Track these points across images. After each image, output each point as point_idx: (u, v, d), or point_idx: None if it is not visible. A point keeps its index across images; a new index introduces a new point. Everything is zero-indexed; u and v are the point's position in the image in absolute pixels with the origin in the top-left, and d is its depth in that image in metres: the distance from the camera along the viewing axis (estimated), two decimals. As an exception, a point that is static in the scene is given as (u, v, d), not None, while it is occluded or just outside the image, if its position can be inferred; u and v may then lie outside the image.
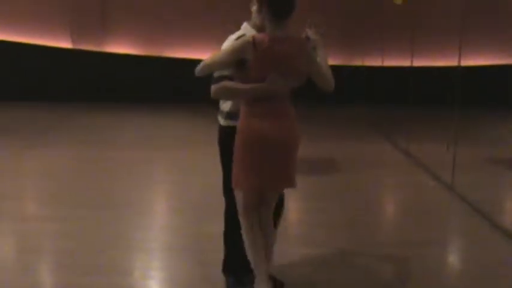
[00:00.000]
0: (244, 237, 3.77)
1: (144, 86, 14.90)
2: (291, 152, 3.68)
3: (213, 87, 3.64)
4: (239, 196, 3.75)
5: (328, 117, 13.50)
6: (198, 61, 3.72)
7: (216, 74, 3.69)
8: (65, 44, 14.97)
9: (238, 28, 3.91)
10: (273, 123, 3.58)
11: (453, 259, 5.07)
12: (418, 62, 11.73)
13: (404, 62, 11.60)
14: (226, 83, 3.62)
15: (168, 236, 5.47)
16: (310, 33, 3.88)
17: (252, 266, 3.78)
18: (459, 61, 7.42)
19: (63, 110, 13.50)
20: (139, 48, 15.22)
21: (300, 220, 6.11)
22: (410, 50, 10.32)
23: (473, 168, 8.18)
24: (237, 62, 3.57)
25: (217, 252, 4.23)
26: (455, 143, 7.33)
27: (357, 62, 14.89)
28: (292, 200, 5.90)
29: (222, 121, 3.93)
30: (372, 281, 4.41)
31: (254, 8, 3.80)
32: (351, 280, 4.41)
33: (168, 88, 14.70)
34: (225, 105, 3.89)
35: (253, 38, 3.55)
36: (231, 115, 3.83)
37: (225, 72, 3.65)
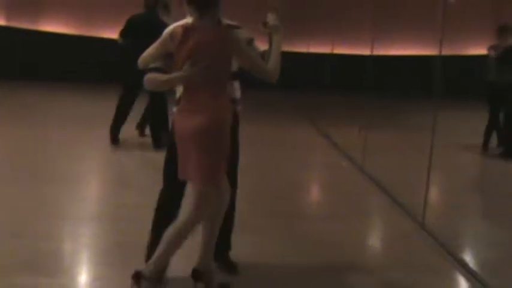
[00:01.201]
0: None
1: (78, 65, 14.88)
2: (195, 146, 3.60)
3: (144, 78, 3.78)
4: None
5: (254, 102, 13.89)
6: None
7: (150, 66, 3.82)
8: (-1, 21, 14.85)
9: None
10: (184, 117, 3.65)
11: (356, 232, 5.52)
12: (339, 50, 12.27)
13: (327, 49, 12.11)
14: (151, 75, 3.76)
15: (93, 206, 5.79)
16: (270, 18, 3.84)
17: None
18: (372, 50, 7.98)
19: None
20: (73, 27, 15.23)
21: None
22: (332, 39, 10.84)
23: (383, 151, 8.76)
24: (166, 54, 3.73)
25: (134, 221, 4.46)
26: (367, 127, 7.90)
27: (285, 48, 15.34)
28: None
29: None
30: (287, 247, 4.83)
31: None
32: (265, 247, 4.81)
33: (101, 68, 14.73)
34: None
35: (171, 30, 3.71)
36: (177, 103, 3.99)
37: (157, 64, 3.78)
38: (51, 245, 4.60)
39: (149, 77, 3.76)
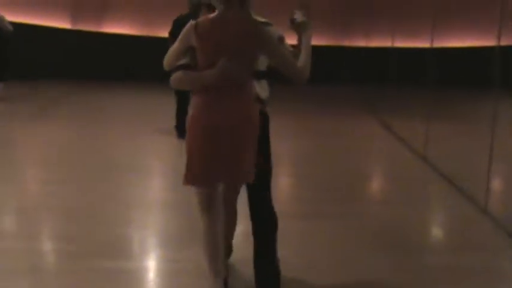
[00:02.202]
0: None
1: (140, 64, 15.39)
2: (240, 144, 3.40)
3: (171, 77, 3.54)
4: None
5: (315, 96, 14.16)
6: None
7: (177, 64, 3.51)
8: (65, 24, 15.51)
9: None
10: (216, 113, 3.33)
11: (420, 216, 5.72)
12: (398, 43, 12.38)
13: (386, 43, 12.26)
14: (180, 73, 3.47)
15: (160, 194, 6.16)
16: (297, 15, 3.60)
17: (207, 268, 3.56)
18: (432, 42, 8.15)
19: (62, 87, 14.02)
20: (136, 28, 15.78)
21: (286, 176, 6.74)
22: (391, 32, 11.01)
23: (445, 141, 8.89)
24: (188, 49, 3.43)
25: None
26: (429, 118, 8.11)
27: (344, 43, 15.59)
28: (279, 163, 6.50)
29: None
30: (352, 231, 5.10)
31: None
32: (332, 230, 5.07)
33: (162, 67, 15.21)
34: None
35: (196, 22, 3.39)
36: None
37: (183, 61, 3.49)
38: (126, 230, 4.94)
39: (177, 75, 3.48)
